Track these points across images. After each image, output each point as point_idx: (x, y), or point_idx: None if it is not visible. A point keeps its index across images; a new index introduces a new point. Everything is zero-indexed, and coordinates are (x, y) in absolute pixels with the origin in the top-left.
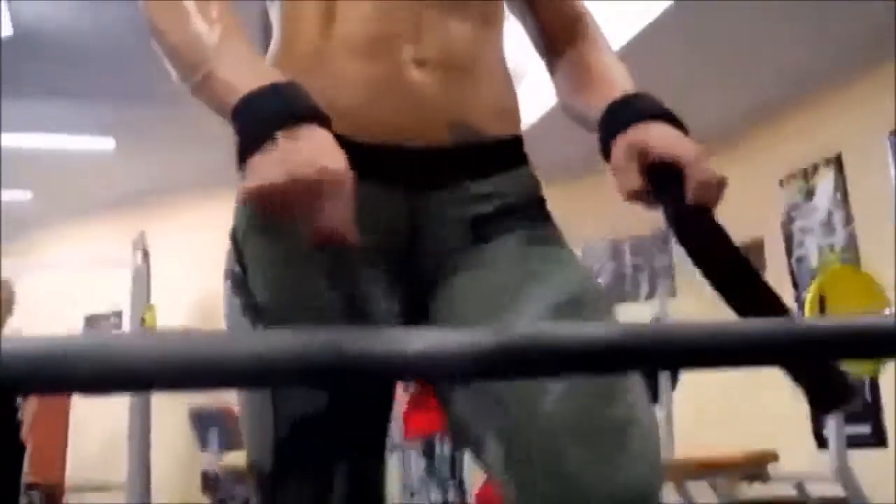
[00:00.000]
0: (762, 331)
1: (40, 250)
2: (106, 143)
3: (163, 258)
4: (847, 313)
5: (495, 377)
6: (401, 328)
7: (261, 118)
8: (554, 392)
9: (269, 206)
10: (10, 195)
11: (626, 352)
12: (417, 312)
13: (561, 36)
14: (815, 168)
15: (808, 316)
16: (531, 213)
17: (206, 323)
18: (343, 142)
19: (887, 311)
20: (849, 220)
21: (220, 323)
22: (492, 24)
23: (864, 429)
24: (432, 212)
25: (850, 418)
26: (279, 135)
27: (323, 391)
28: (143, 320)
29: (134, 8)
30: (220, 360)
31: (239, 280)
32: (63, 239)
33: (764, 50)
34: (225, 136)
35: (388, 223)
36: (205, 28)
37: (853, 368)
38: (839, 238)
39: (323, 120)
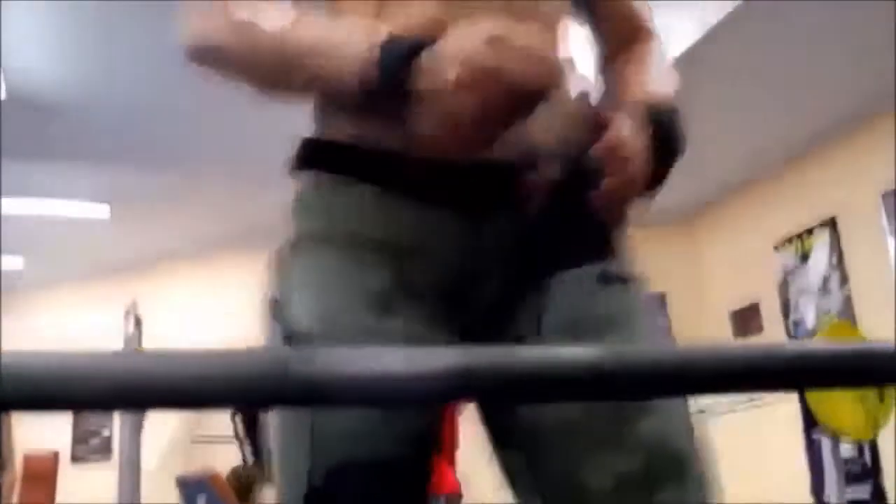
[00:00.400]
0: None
1: (31, 317)
2: (100, 211)
3: (155, 326)
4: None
5: (453, 399)
6: (349, 350)
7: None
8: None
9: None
10: (1, 261)
11: (605, 378)
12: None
13: (619, 51)
14: (810, 231)
15: None
16: (604, 240)
17: None
18: (398, 157)
19: None
20: (844, 281)
21: None
22: (555, 31)
23: (864, 491)
24: (492, 238)
25: (851, 480)
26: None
27: (365, 443)
28: None
29: (130, 73)
30: (154, 379)
31: (278, 308)
32: (54, 305)
33: (757, 115)
34: (219, 205)
35: (442, 250)
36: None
37: (851, 432)
38: (835, 299)
39: None
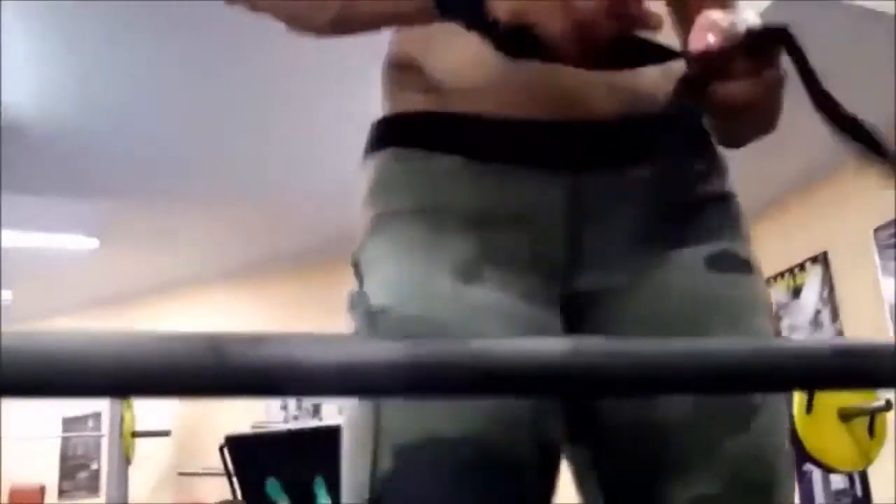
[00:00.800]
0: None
1: None
2: (89, 243)
3: None
4: (834, 404)
5: (401, 394)
6: (297, 335)
7: None
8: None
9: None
10: None
11: (563, 373)
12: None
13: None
14: (802, 266)
15: (797, 410)
16: (724, 216)
17: (188, 429)
18: (482, 121)
19: (875, 403)
20: (836, 316)
21: (201, 429)
22: None
23: None
24: (597, 202)
25: None
26: None
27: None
28: (122, 420)
29: (120, 107)
30: (83, 364)
31: (355, 291)
32: None
33: (748, 151)
34: (208, 237)
35: (540, 216)
36: None
37: (841, 465)
38: (827, 334)
39: None
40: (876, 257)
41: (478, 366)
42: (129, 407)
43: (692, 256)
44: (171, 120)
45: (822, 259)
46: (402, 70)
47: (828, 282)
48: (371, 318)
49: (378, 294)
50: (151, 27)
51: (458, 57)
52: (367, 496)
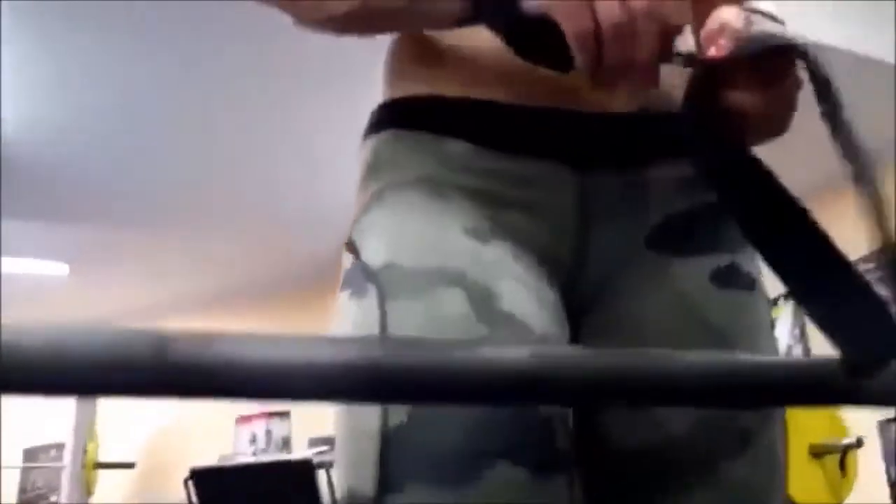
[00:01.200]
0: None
1: None
2: (59, 269)
3: None
4: (805, 441)
5: (355, 399)
6: (250, 335)
7: None
8: None
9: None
10: None
11: (525, 383)
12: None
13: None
14: (775, 301)
15: None
16: (730, 226)
17: (153, 461)
18: (493, 106)
19: (846, 440)
20: (807, 353)
21: (167, 461)
22: None
23: None
24: (606, 201)
25: None
26: None
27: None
28: (85, 452)
29: (89, 131)
30: (15, 357)
31: (350, 265)
32: None
33: None
34: (180, 264)
35: (550, 209)
36: None
37: (812, 501)
38: None
39: None
40: None
41: (439, 371)
42: (94, 438)
43: (697, 268)
44: (146, 147)
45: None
46: (409, 55)
47: (799, 318)
48: (372, 279)
49: (379, 253)
50: (125, 53)
51: (471, 43)
52: (377, 451)
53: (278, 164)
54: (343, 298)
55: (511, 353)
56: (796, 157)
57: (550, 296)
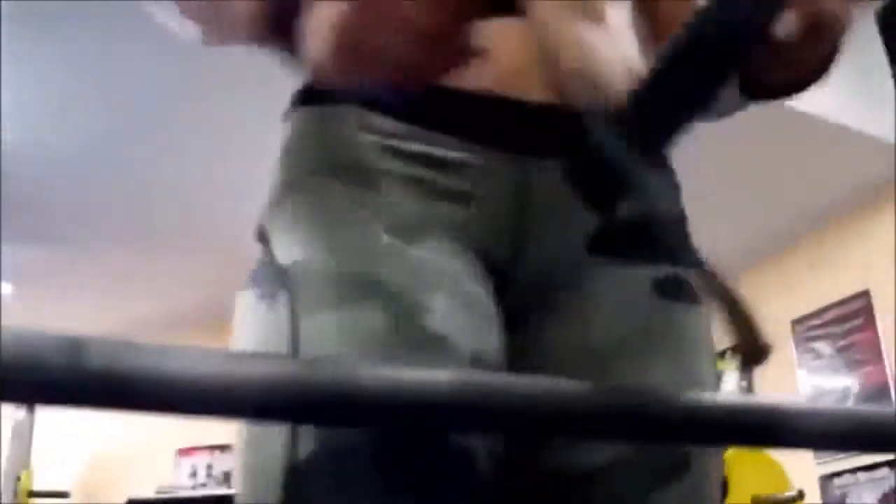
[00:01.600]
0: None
1: None
2: (2, 288)
3: (50, 416)
4: (748, 492)
5: (271, 419)
6: (174, 347)
7: None
8: None
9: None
10: None
11: (456, 407)
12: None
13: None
14: (722, 354)
15: None
16: (675, 238)
17: (89, 490)
18: (429, 86)
19: (787, 493)
20: None
21: (103, 491)
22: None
23: None
24: (545, 199)
25: None
26: None
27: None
28: (18, 480)
29: (32, 148)
30: None
31: (259, 262)
32: None
33: None
34: (130, 284)
35: (488, 200)
36: None
37: None
38: None
39: None
40: (793, 350)
41: (357, 393)
42: (28, 465)
43: (639, 276)
44: (86, 161)
45: None
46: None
47: (747, 373)
48: (283, 282)
49: (292, 250)
50: (77, 68)
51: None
52: (280, 485)
53: (240, 181)
54: (250, 298)
55: (430, 377)
56: (723, 233)
57: (485, 300)
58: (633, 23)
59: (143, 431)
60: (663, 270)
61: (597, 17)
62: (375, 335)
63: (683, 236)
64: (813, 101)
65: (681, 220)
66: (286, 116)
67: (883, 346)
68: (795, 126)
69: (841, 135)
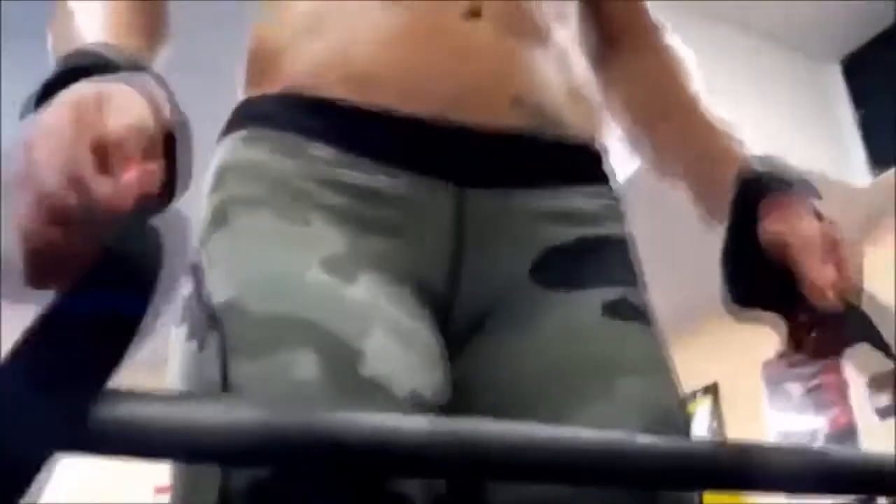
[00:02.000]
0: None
1: None
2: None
3: None
4: None
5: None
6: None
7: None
8: None
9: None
10: None
11: (437, 453)
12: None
13: (625, 39)
14: (694, 395)
15: None
16: (622, 262)
17: None
18: (367, 112)
19: None
20: None
21: None
22: None
23: None
24: (484, 227)
25: None
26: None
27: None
28: None
29: None
30: None
31: (189, 294)
32: None
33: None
34: None
35: (424, 231)
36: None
37: None
38: None
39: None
40: (764, 391)
41: (331, 440)
42: None
43: (587, 300)
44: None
45: (712, 390)
46: (273, 51)
47: (717, 413)
48: (214, 325)
49: (224, 288)
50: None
51: (349, 37)
52: None
53: None
54: (180, 337)
55: (422, 424)
56: (699, 272)
57: (424, 335)
58: (581, 31)
59: (121, 467)
60: (610, 294)
61: (542, 39)
62: (309, 382)
63: (629, 260)
64: (776, 145)
65: (623, 242)
66: (220, 139)
67: (851, 388)
68: None
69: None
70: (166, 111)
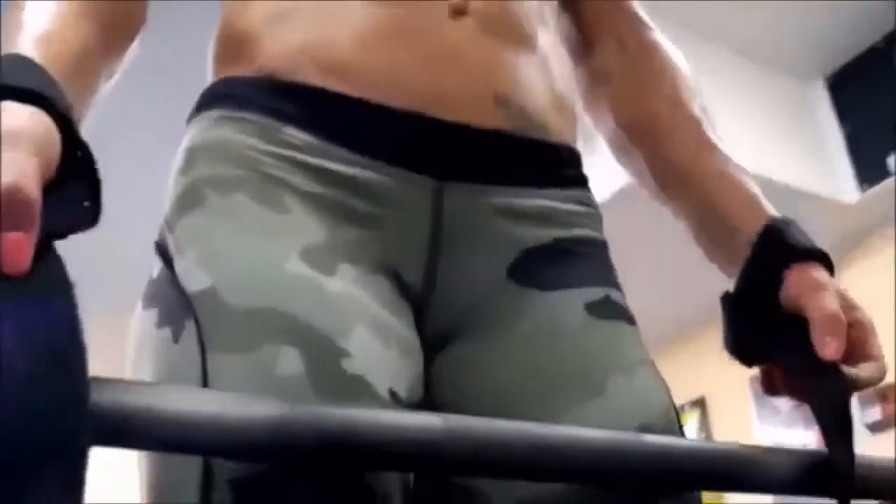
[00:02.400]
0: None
1: None
2: None
3: None
4: None
5: (264, 459)
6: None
7: None
8: None
9: None
10: None
11: (445, 451)
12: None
13: (609, 39)
14: (682, 409)
15: None
16: (600, 263)
17: None
18: (346, 99)
19: None
20: None
21: None
22: None
23: None
24: (462, 223)
25: None
26: None
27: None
28: None
29: None
30: None
31: (157, 277)
32: None
33: (631, 298)
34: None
35: (402, 225)
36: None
37: None
38: None
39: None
40: (752, 405)
41: (337, 436)
42: None
43: (569, 300)
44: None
45: (700, 404)
46: (248, 35)
47: (705, 427)
48: (189, 312)
49: (199, 275)
50: None
51: (330, 27)
52: None
53: None
54: (148, 323)
55: (432, 421)
56: (685, 288)
57: (401, 329)
58: (561, 33)
59: (111, 477)
60: (593, 294)
61: (526, 43)
62: (287, 382)
63: (608, 262)
64: (763, 163)
65: (600, 244)
66: (189, 122)
67: None
68: None
69: (791, 196)
70: (51, 150)
